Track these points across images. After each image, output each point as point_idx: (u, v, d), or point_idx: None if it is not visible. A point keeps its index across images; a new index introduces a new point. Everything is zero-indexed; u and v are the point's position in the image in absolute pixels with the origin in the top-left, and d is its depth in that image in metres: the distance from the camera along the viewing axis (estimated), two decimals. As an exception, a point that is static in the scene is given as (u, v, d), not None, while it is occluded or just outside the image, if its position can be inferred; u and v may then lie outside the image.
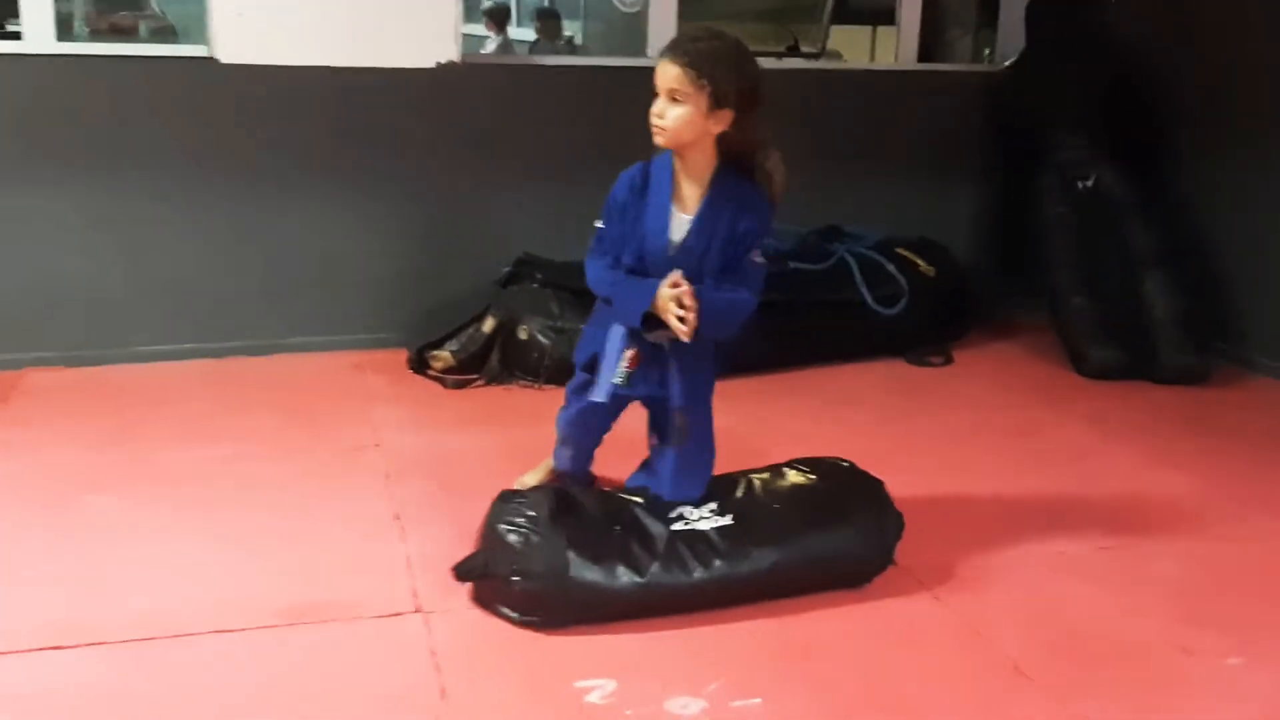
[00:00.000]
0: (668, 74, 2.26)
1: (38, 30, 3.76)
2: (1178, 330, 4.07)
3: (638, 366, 2.44)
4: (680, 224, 2.37)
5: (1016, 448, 3.39)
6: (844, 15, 6.22)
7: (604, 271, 2.43)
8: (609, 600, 2.24)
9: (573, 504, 2.35)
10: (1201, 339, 4.12)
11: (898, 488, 2.58)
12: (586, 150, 4.36)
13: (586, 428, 2.71)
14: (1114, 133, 4.44)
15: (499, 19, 8.79)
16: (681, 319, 2.23)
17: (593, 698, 2.02)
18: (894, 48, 5.06)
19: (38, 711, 1.95)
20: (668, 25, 4.53)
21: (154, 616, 2.24)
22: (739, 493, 2.44)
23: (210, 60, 3.78)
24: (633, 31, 6.17)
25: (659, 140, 2.32)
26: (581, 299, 3.88)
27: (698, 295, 2.26)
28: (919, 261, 4.38)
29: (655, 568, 2.26)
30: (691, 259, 2.34)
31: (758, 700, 2.03)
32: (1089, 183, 4.35)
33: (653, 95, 2.31)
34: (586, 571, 2.23)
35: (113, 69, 3.85)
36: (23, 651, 2.11)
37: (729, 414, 3.51)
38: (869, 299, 4.18)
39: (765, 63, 4.02)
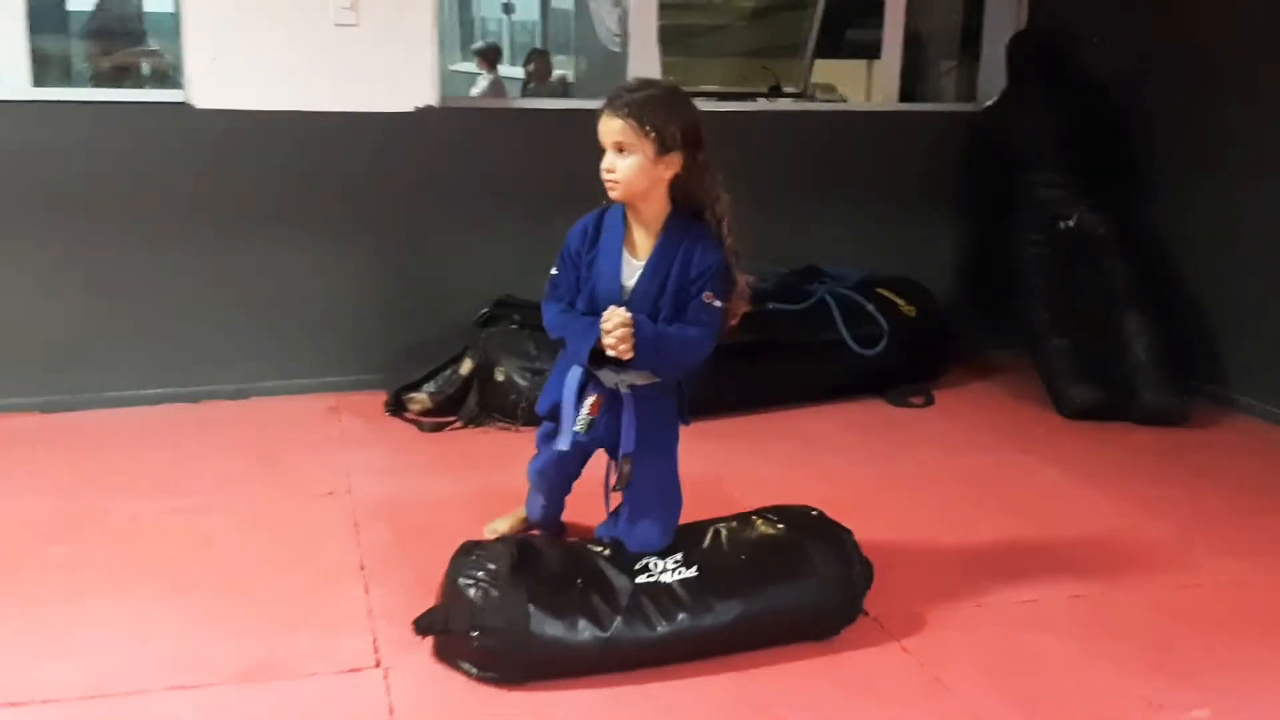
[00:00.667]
0: (611, 127, 2.30)
1: (12, 75, 3.77)
2: (1158, 369, 4.05)
3: (599, 413, 2.44)
4: (632, 269, 2.38)
5: (993, 491, 3.37)
6: (836, 49, 6.25)
7: (557, 315, 2.44)
8: (570, 656, 2.21)
9: (534, 556, 2.33)
10: (1182, 378, 4.10)
11: (871, 533, 2.56)
12: (566, 192, 4.30)
13: (556, 476, 2.71)
14: (1093, 171, 4.45)
15: (490, 58, 8.83)
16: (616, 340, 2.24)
17: (550, 757, 1.99)
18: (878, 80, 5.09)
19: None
20: (650, 66, 4.55)
21: (108, 673, 2.21)
22: (705, 543, 2.42)
23: (185, 105, 3.79)
24: (621, 71, 6.21)
25: (614, 194, 2.35)
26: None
27: (638, 322, 2.26)
28: (899, 302, 4.37)
29: (618, 622, 2.23)
30: (645, 303, 2.35)
31: (719, 758, 2.00)
32: (1070, 222, 4.35)
33: (607, 151, 2.32)
34: (547, 626, 2.20)
35: (90, 114, 3.85)
36: (-29, 711, 2.09)
37: (703, 457, 3.49)
38: (849, 339, 4.17)
39: (746, 105, 4.02)
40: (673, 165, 2.31)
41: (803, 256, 4.49)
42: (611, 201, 2.40)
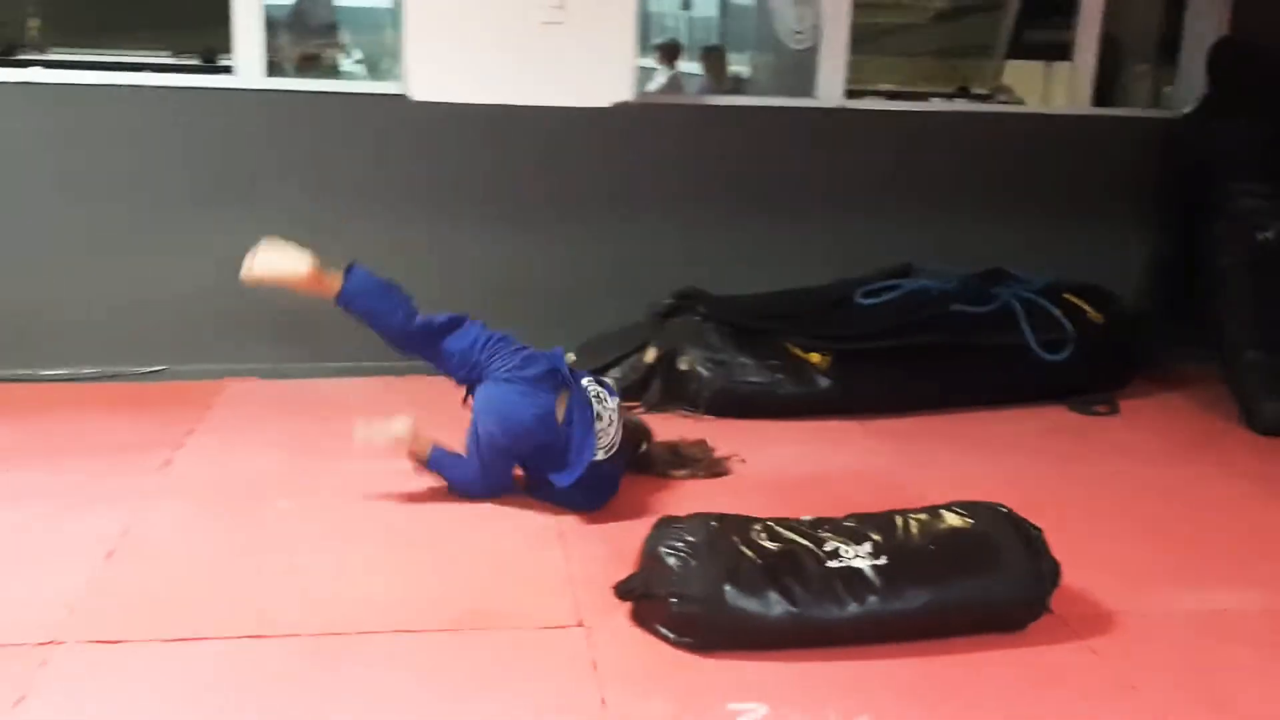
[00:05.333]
0: None
1: (249, 66, 4.09)
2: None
3: None
4: None
5: (1181, 502, 3.32)
6: (1018, 50, 6.16)
7: None
8: (762, 628, 2.32)
9: (730, 532, 2.44)
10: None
11: (1056, 535, 2.58)
12: (748, 188, 4.47)
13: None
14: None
15: (670, 54, 9.00)
16: None
17: (746, 719, 2.11)
18: (1068, 84, 5.01)
19: (239, 691, 2.14)
20: (839, 64, 4.61)
21: (340, 615, 2.44)
22: (896, 533, 2.49)
23: (402, 97, 4.05)
24: (801, 69, 6.25)
25: None
26: (741, 333, 4.01)
27: None
28: (1086, 308, 4.32)
29: (809, 600, 2.33)
30: None
31: (907, 735, 2.08)
32: (1269, 234, 4.22)
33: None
34: (742, 599, 2.32)
35: (315, 103, 4.16)
36: (230, 638, 2.33)
37: (886, 454, 3.57)
38: (1034, 344, 4.14)
39: (931, 105, 3.94)
40: None
41: (987, 259, 4.48)
42: None
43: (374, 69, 6.75)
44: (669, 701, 2.16)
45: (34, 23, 4.68)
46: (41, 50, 4.81)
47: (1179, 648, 2.46)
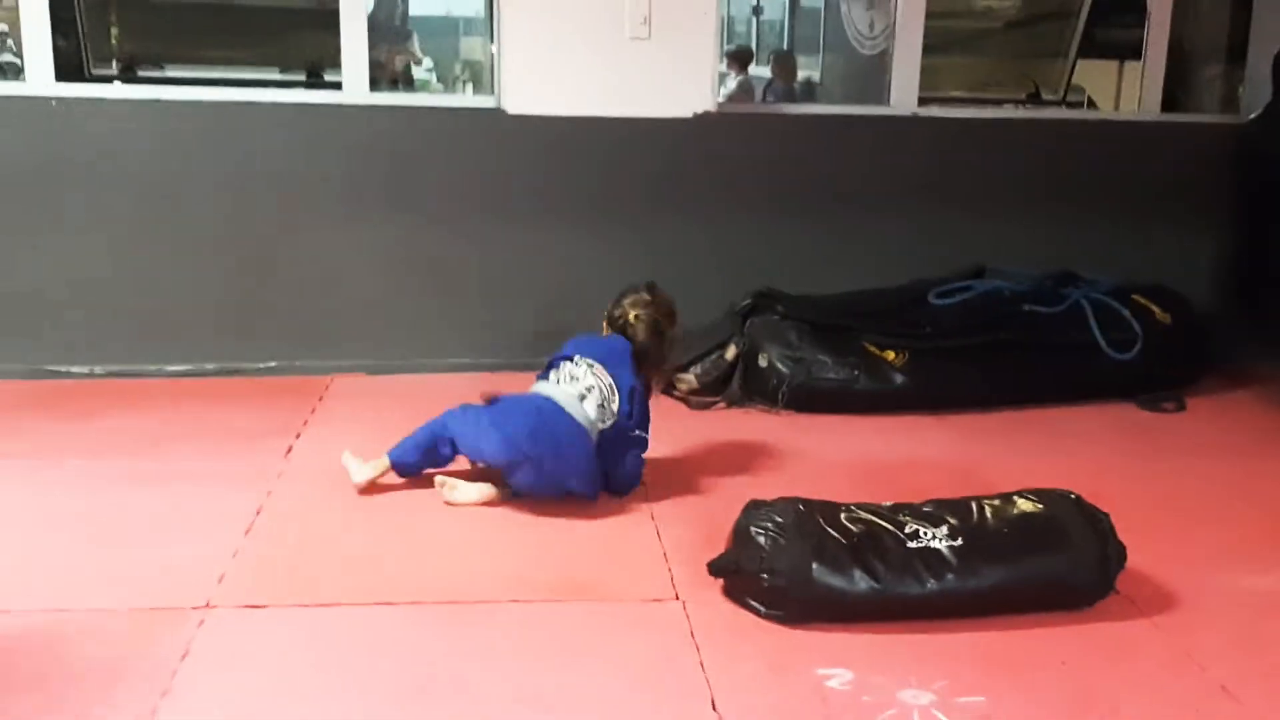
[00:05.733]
0: None
1: (355, 82, 4.38)
2: None
3: None
4: None
5: (1246, 493, 3.45)
6: (1089, 49, 6.23)
7: None
8: (847, 603, 2.52)
9: (816, 514, 2.64)
10: None
11: (1122, 522, 2.73)
12: (824, 192, 4.66)
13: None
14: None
15: (742, 59, 9.21)
16: None
17: (832, 683, 2.31)
18: (1139, 86, 5.13)
19: (371, 652, 2.39)
20: (912, 72, 4.78)
21: (461, 584, 2.69)
22: (972, 516, 2.67)
23: (498, 111, 4.31)
24: (870, 73, 6.39)
25: None
26: (819, 331, 4.20)
27: None
28: (1154, 308, 4.45)
29: (891, 577, 2.52)
30: None
31: (981, 698, 2.27)
32: (1336, 235, 4.32)
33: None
34: (828, 576, 2.52)
35: (409, 117, 4.43)
36: (361, 604, 2.59)
37: (960, 447, 3.76)
38: (1103, 343, 4.28)
39: (1006, 110, 4.08)
40: None
41: (1058, 262, 4.62)
42: None
43: (444, 77, 7.02)
44: (762, 665, 2.37)
45: (153, 44, 5.04)
46: (159, 68, 5.15)
47: (1241, 625, 2.61)
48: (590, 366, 3.23)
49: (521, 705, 2.20)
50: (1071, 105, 6.17)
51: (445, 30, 7.54)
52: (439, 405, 4.03)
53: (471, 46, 7.66)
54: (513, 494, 3.16)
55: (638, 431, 3.25)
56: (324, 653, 2.39)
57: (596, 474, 3.17)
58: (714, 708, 2.22)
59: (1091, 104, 6.22)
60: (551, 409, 3.14)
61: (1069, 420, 4.11)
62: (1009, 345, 4.22)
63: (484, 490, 3.17)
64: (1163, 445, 3.91)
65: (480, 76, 7.00)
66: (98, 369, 4.16)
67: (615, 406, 3.20)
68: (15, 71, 4.54)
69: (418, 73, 6.99)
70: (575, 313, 4.48)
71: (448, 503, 3.15)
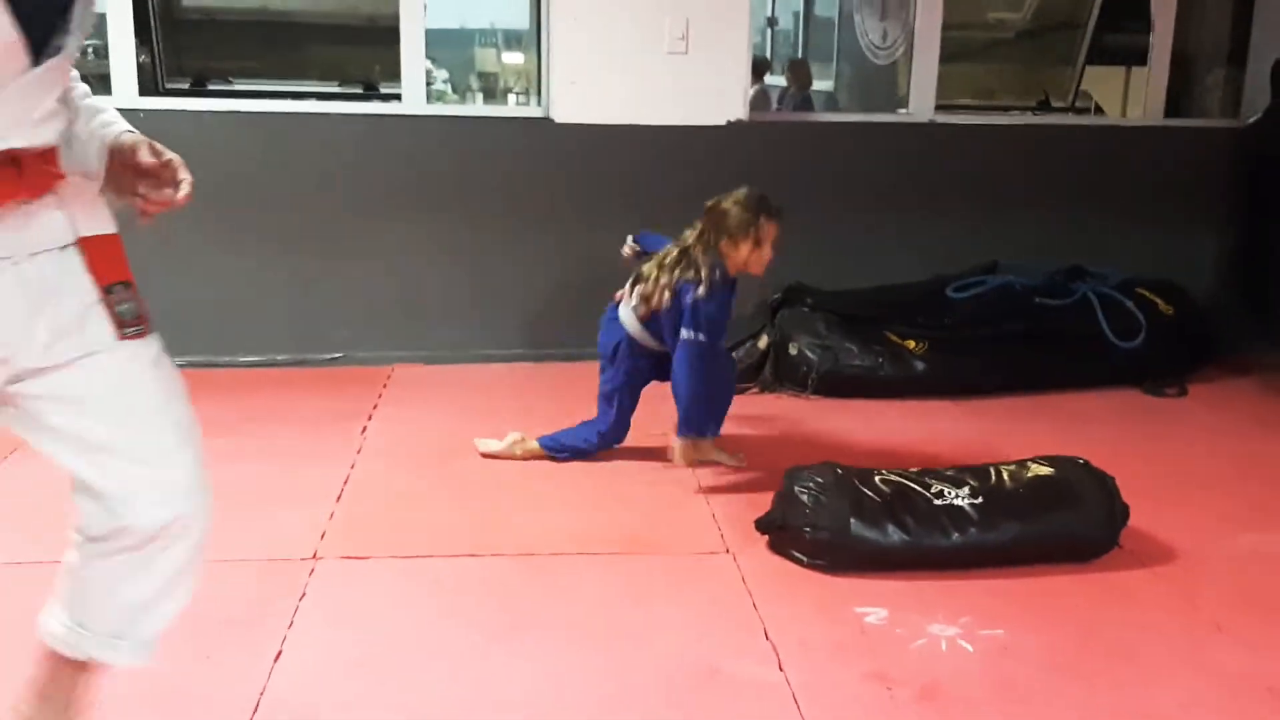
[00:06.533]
0: (777, 234, 3.44)
1: (413, 94, 4.72)
2: None
3: None
4: None
5: (1246, 467, 3.76)
6: (1097, 57, 6.51)
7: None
8: (882, 553, 2.84)
9: (853, 477, 2.97)
10: None
11: (1128, 488, 3.03)
12: (849, 193, 4.98)
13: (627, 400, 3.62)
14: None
15: (758, 69, 9.52)
16: None
17: (870, 619, 2.63)
18: (1144, 92, 5.44)
19: (460, 596, 2.73)
20: (929, 80, 5.10)
21: (536, 539, 3.02)
22: (991, 479, 2.99)
23: (546, 120, 4.65)
24: (882, 82, 6.69)
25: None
26: (846, 322, 4.52)
27: None
28: (1158, 301, 4.76)
29: (921, 531, 2.84)
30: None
31: (1001, 631, 2.59)
32: (1329, 231, 4.63)
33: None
34: (865, 529, 2.84)
35: (463, 126, 4.77)
36: (450, 556, 2.92)
37: (980, 428, 4.09)
38: (1109, 333, 4.60)
39: (1016, 117, 4.35)
40: None
41: (1068, 258, 4.94)
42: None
43: (458, 88, 7.33)
44: (807, 605, 2.70)
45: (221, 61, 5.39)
46: (227, 82, 5.50)
47: (1236, 575, 2.92)
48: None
49: (601, 638, 2.53)
50: (1080, 111, 6.47)
51: (461, 42, 7.88)
52: (492, 391, 4.41)
53: (485, 58, 8.00)
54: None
55: (683, 333, 3.39)
56: (421, 596, 2.72)
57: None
58: (766, 637, 2.55)
59: (1099, 110, 6.52)
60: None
61: (1078, 404, 4.43)
62: (1021, 335, 4.55)
63: (510, 439, 3.60)
64: (1166, 425, 4.22)
65: (494, 87, 7.35)
66: (178, 360, 4.49)
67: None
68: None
69: (437, 84, 7.35)
70: (604, 303, 4.84)
71: (482, 454, 3.61)
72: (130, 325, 1.62)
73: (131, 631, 1.75)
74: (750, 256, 3.43)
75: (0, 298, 1.48)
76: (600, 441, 3.62)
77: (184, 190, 1.63)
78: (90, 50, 4.36)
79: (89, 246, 1.59)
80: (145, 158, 1.62)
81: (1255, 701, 2.36)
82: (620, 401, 3.60)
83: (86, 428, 1.61)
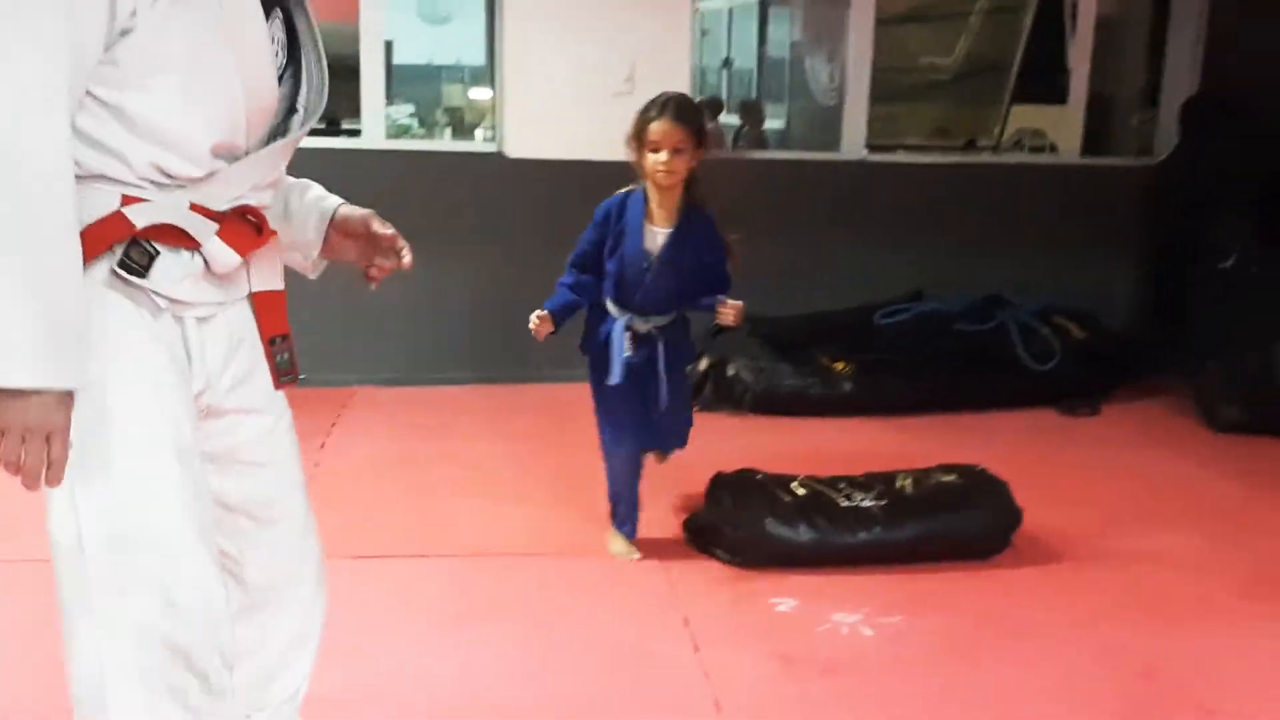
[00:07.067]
0: (674, 134, 2.99)
1: (373, 129, 5.01)
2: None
3: (635, 348, 3.18)
4: (654, 239, 3.12)
5: (1139, 478, 4.09)
6: (1023, 96, 6.86)
7: (565, 288, 3.33)
8: (795, 550, 3.13)
9: (771, 482, 3.26)
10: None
11: (1028, 496, 3.34)
12: (786, 227, 5.30)
13: (628, 469, 3.28)
14: (1254, 216, 5.07)
15: (714, 109, 9.89)
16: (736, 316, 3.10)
17: (781, 608, 2.93)
18: (1064, 131, 5.83)
19: (409, 596, 2.99)
20: (859, 121, 5.45)
21: (485, 541, 3.30)
22: (896, 484, 3.30)
23: (499, 155, 4.95)
24: (831, 122, 7.03)
25: (668, 182, 3.05)
26: (781, 345, 4.84)
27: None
28: (1072, 327, 5.11)
29: (830, 529, 3.14)
30: (669, 268, 3.11)
31: (898, 618, 2.89)
32: (1228, 263, 5.00)
33: (664, 150, 3.01)
34: (779, 528, 3.13)
35: (421, 160, 5.06)
36: (403, 556, 3.19)
37: (900, 443, 4.39)
38: (1024, 356, 4.94)
39: (940, 155, 4.68)
40: (698, 158, 3.07)
41: (991, 288, 5.28)
42: (633, 188, 3.16)
43: (424, 121, 7.61)
44: (725, 597, 2.99)
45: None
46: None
47: (1118, 572, 3.23)
48: None
49: (540, 626, 2.81)
50: (1037, 149, 6.76)
51: (428, 78, 8.17)
52: (449, 411, 4.67)
53: (452, 93, 8.30)
54: None
55: None
56: (373, 595, 2.98)
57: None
58: (686, 624, 2.83)
59: (1053, 148, 6.82)
60: None
61: (994, 422, 4.75)
62: (942, 358, 4.88)
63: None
64: (1072, 442, 4.55)
65: (462, 121, 7.63)
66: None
67: None
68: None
69: (400, 118, 7.61)
70: (565, 333, 5.13)
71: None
72: (285, 375, 1.78)
73: None
74: (646, 164, 3.08)
75: (212, 337, 1.62)
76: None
77: (407, 258, 1.83)
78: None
79: (259, 300, 1.71)
80: (380, 229, 1.83)
81: (1128, 680, 2.66)
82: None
83: (238, 472, 1.73)
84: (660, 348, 3.19)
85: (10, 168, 1.32)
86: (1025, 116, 6.88)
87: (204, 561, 1.56)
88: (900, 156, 5.92)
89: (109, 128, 1.45)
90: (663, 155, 3.01)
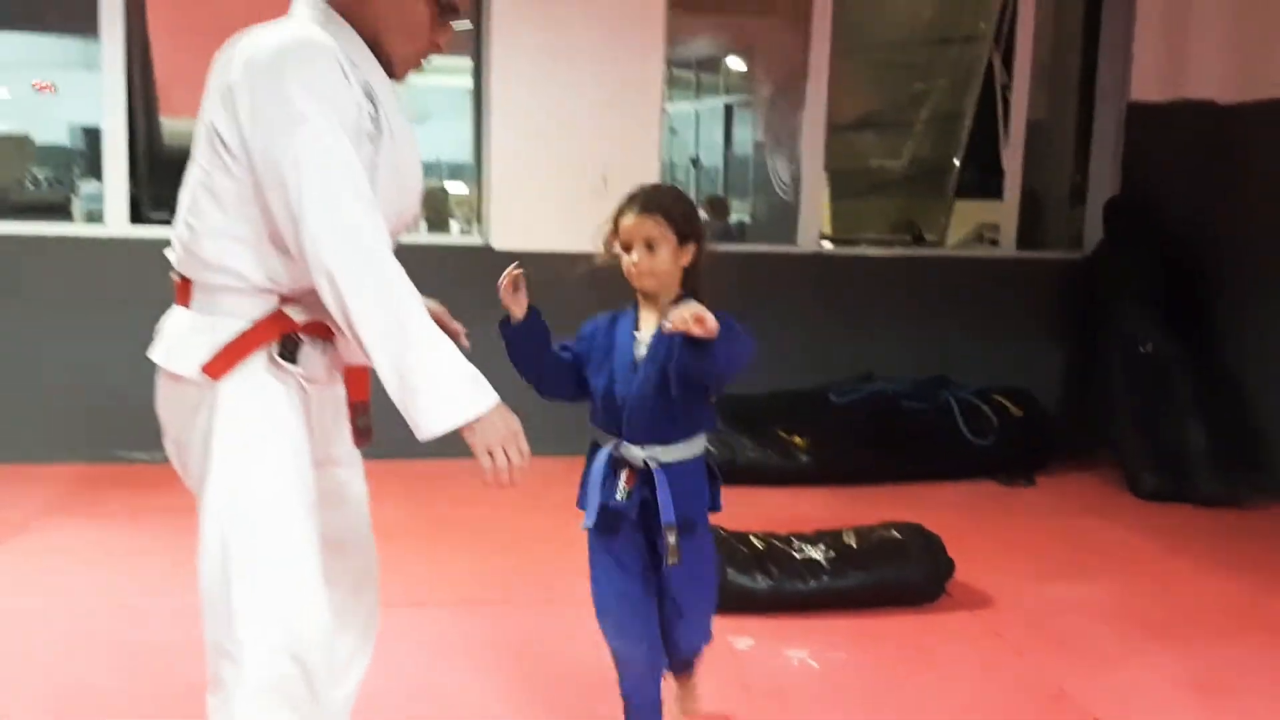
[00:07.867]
0: (643, 226, 2.51)
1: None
2: (1214, 462, 5.13)
3: (633, 486, 2.50)
4: (641, 349, 2.57)
5: (1066, 539, 4.53)
6: (965, 192, 7.40)
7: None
8: (751, 596, 3.52)
9: (731, 537, 3.66)
10: (1236, 470, 5.16)
11: (964, 553, 3.76)
12: (746, 313, 5.74)
13: (639, 669, 2.67)
14: (1168, 305, 5.60)
15: (719, 210, 10.45)
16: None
17: (740, 645, 3.31)
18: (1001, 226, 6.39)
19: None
20: (815, 216, 5.97)
21: (419, 593, 3.66)
22: (842, 538, 3.71)
23: (486, 247, 5.41)
24: (791, 216, 7.56)
25: (647, 285, 2.55)
26: (741, 420, 5.26)
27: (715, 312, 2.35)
28: (1009, 405, 5.58)
29: (783, 578, 3.54)
30: (653, 366, 2.51)
31: (842, 653, 3.28)
32: (1148, 346, 5.51)
33: (635, 247, 2.56)
34: (738, 577, 3.53)
35: (411, 252, 5.49)
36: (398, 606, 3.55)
37: (851, 507, 4.80)
38: (966, 431, 5.40)
39: (886, 249, 5.16)
40: (688, 254, 2.53)
41: (935, 369, 5.76)
42: (627, 308, 2.65)
43: None
44: (691, 637, 3.36)
45: None
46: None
47: (1041, 616, 3.65)
48: None
49: (515, 667, 3.18)
50: (992, 242, 7.24)
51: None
52: (433, 489, 5.06)
53: (431, 189, 8.85)
54: None
55: None
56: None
57: None
58: (657, 659, 3.20)
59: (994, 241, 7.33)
60: None
61: (938, 491, 5.19)
62: (892, 433, 5.33)
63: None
64: (1008, 508, 5.00)
65: (443, 213, 8.15)
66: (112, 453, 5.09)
67: None
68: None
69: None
70: (540, 418, 5.55)
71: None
72: (362, 435, 2.07)
73: None
74: (624, 267, 2.62)
75: (330, 402, 2.03)
76: None
77: (464, 344, 2.11)
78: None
79: (349, 373, 2.05)
80: (449, 323, 2.22)
81: (1040, 702, 3.07)
82: None
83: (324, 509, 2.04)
84: (661, 491, 2.47)
85: (387, 285, 1.86)
86: (968, 212, 7.46)
87: (321, 590, 1.95)
88: (851, 250, 6.46)
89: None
90: (634, 254, 2.53)
